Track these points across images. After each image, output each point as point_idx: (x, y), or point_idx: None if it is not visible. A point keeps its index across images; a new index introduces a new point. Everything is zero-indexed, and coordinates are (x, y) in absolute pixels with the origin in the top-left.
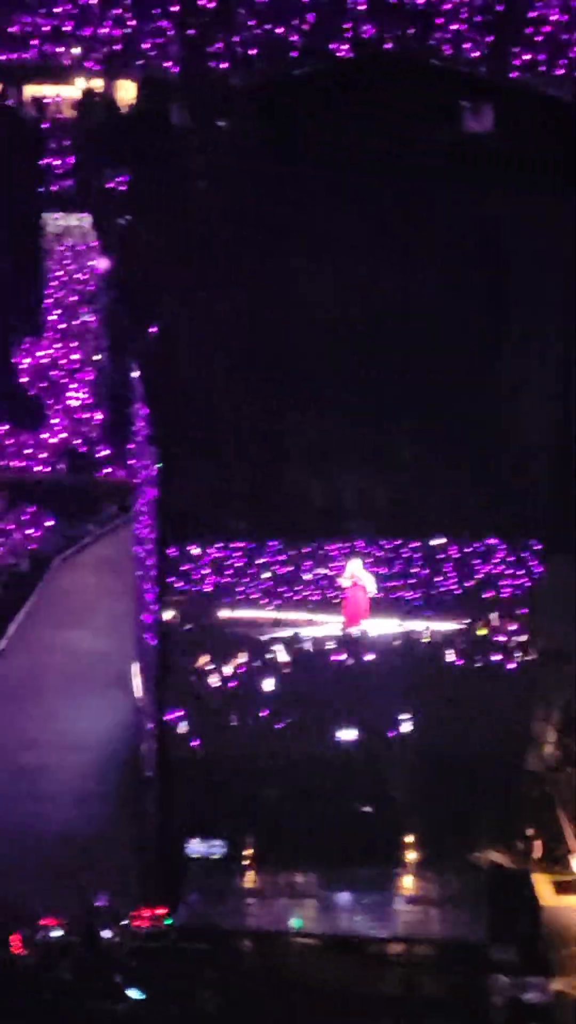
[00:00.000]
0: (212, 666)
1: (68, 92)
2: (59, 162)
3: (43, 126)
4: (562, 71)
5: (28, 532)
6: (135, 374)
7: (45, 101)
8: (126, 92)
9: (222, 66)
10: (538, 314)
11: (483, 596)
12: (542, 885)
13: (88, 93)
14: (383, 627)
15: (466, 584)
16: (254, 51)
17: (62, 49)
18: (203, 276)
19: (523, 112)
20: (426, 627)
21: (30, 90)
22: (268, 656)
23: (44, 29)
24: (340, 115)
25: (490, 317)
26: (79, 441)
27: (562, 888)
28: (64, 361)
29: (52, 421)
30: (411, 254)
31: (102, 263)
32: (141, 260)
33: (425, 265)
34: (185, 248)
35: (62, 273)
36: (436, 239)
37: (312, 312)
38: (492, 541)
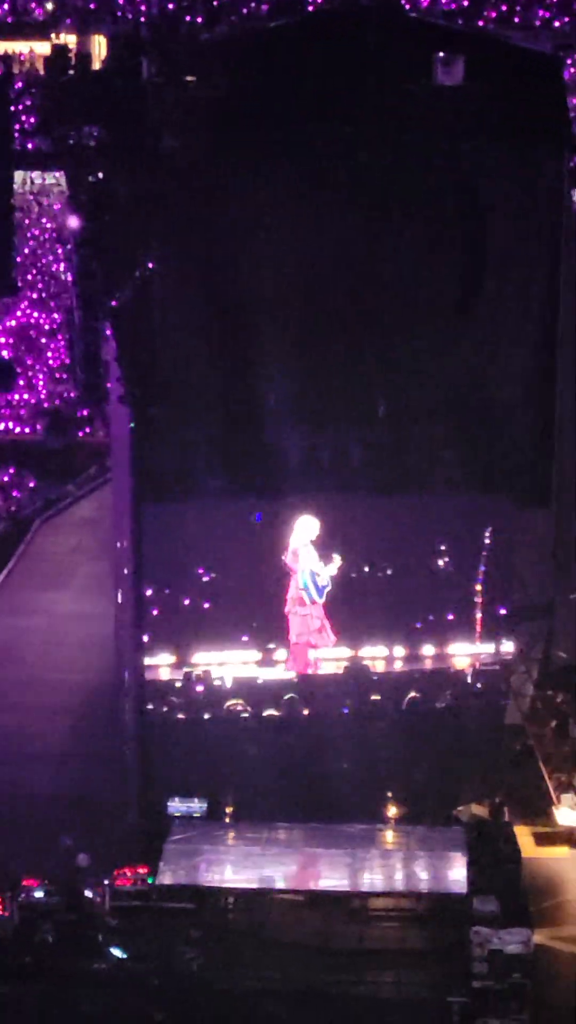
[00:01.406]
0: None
1: (39, 48)
2: (30, 119)
3: (14, 82)
4: (538, 23)
5: (8, 494)
6: (108, 333)
7: (17, 57)
8: (97, 48)
9: (193, 21)
10: (516, 268)
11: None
12: (523, 837)
13: (59, 49)
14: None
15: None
16: (225, 5)
17: (33, 5)
18: (176, 233)
19: (497, 64)
20: None
21: (0, 46)
22: None
23: None
24: (312, 69)
25: (467, 271)
26: (58, 402)
27: (543, 840)
28: (41, 322)
29: (30, 382)
30: (386, 209)
31: (75, 221)
32: (114, 217)
33: (400, 219)
34: (157, 205)
35: (37, 232)
36: (410, 193)
37: (286, 268)
38: (468, 496)
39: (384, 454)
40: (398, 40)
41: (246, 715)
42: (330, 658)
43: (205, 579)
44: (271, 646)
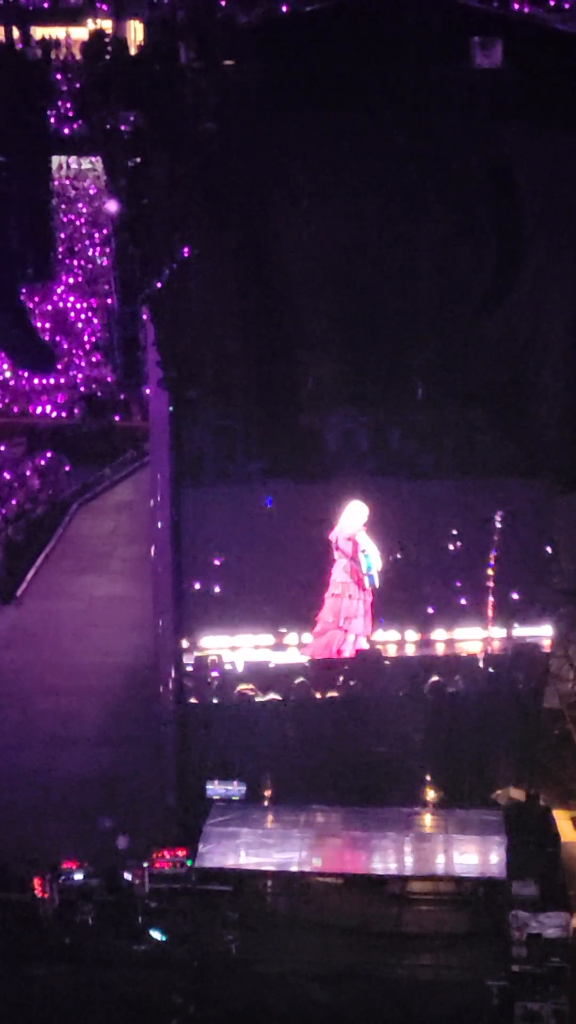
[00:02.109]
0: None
1: (76, 34)
2: (68, 105)
3: (52, 68)
4: (572, 5)
5: (45, 478)
6: (147, 317)
7: (53, 43)
8: (133, 33)
9: (229, 5)
10: (553, 252)
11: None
12: (562, 821)
13: (96, 34)
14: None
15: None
16: None
17: None
18: (213, 217)
19: (535, 47)
20: None
21: (38, 32)
22: None
23: None
24: (349, 52)
25: (505, 255)
26: (95, 386)
27: None
28: (79, 306)
29: (68, 367)
30: (423, 192)
31: (113, 206)
32: (151, 202)
33: (438, 203)
34: (195, 189)
35: (74, 217)
36: (446, 175)
37: (324, 251)
38: (505, 480)
39: (422, 438)
40: (435, 23)
41: (262, 699)
42: (379, 641)
43: (240, 563)
44: (311, 630)
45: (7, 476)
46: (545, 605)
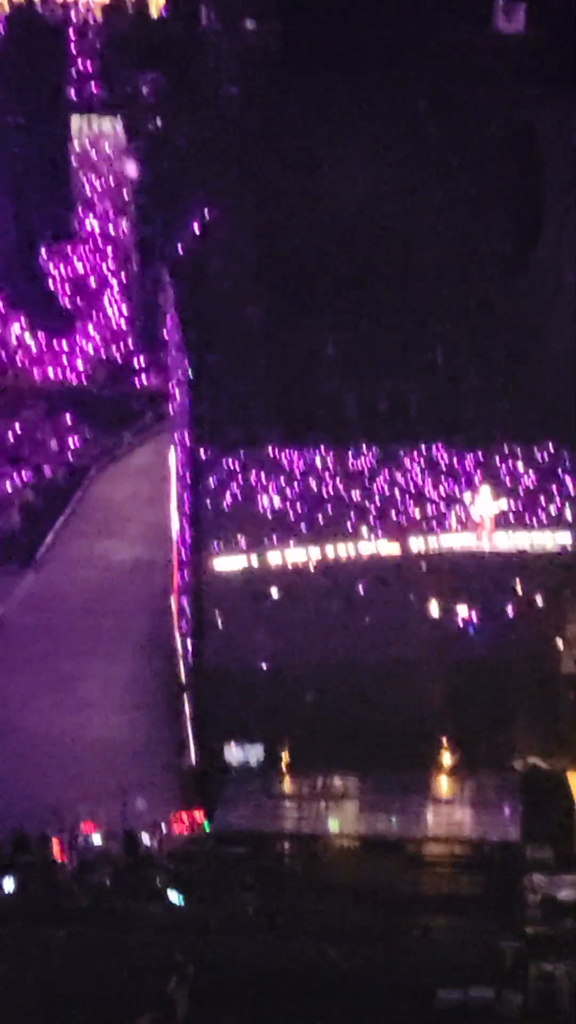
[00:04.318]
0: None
1: None
2: (89, 66)
3: (72, 30)
4: None
5: (64, 442)
6: (166, 281)
7: (75, 4)
8: None
9: None
10: (571, 214)
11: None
12: None
13: None
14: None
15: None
16: None
17: None
18: (234, 180)
19: (557, 11)
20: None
21: None
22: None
23: None
24: (371, 16)
25: (525, 219)
26: (114, 350)
27: None
28: (98, 269)
29: (89, 330)
30: (442, 157)
31: (133, 168)
32: (171, 164)
33: (460, 168)
34: (216, 152)
35: (95, 178)
36: (468, 139)
37: (345, 216)
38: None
39: (441, 403)
40: None
41: None
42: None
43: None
44: None
45: (25, 439)
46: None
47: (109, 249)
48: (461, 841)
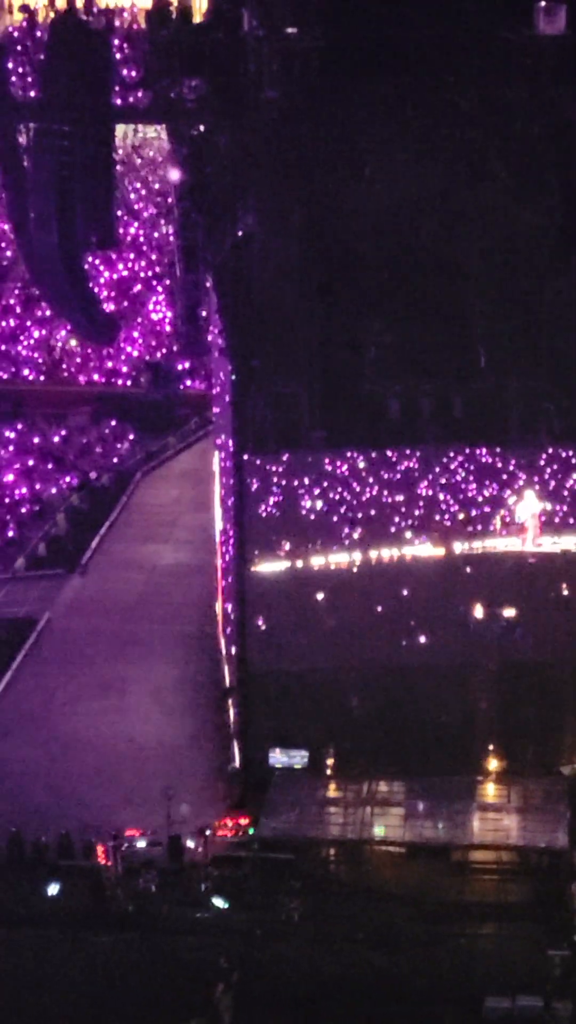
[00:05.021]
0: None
1: (141, 2)
2: (132, 72)
3: (116, 37)
4: None
5: (110, 446)
6: (210, 285)
7: (118, 11)
8: (198, 1)
9: None
10: None
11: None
12: None
13: (160, 2)
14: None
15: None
16: None
17: None
18: (276, 185)
19: None
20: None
21: (103, 1)
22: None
23: None
24: (412, 18)
25: (565, 219)
26: (159, 355)
27: None
28: (142, 275)
29: (133, 335)
30: (486, 159)
31: (176, 174)
32: (215, 170)
33: (501, 170)
34: (258, 157)
35: (140, 186)
36: (510, 140)
37: (386, 220)
38: (569, 448)
39: (485, 405)
40: None
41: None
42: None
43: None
44: None
45: (71, 444)
46: None
47: (153, 255)
48: (508, 847)
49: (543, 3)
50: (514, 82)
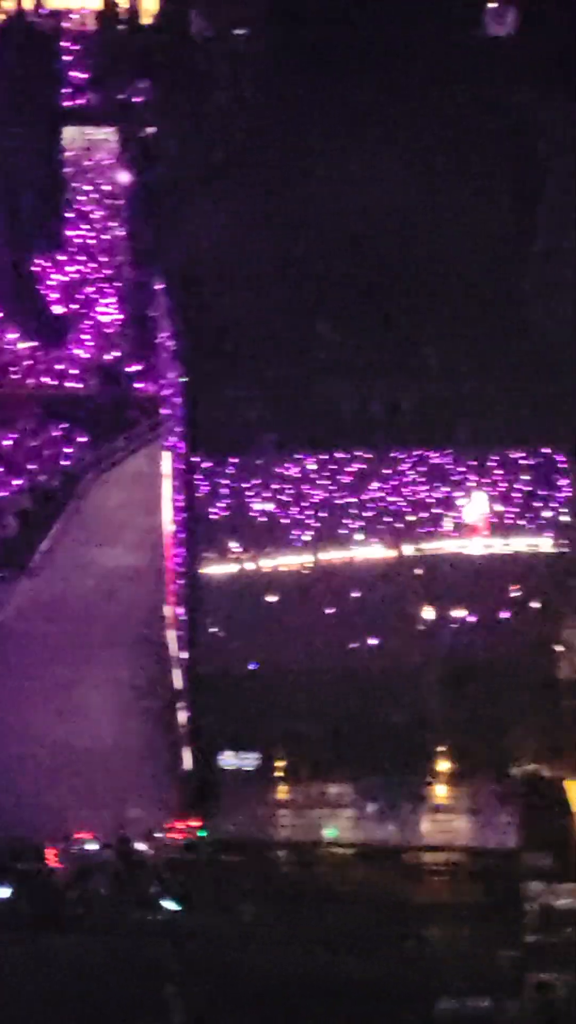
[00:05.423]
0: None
1: (90, 3)
2: (81, 74)
3: (65, 39)
4: None
5: (59, 449)
6: (160, 287)
7: (67, 13)
8: (147, 2)
9: None
10: (569, 215)
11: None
12: (575, 792)
13: (109, 4)
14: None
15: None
16: None
17: None
18: (227, 187)
19: (550, 14)
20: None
21: (52, 2)
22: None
23: None
24: (362, 20)
25: (518, 221)
26: (109, 357)
27: None
28: (91, 277)
29: (83, 337)
30: (437, 161)
31: (125, 176)
32: (165, 172)
33: (452, 172)
34: (208, 159)
35: (89, 188)
36: (462, 144)
37: (336, 221)
38: (519, 450)
39: (438, 408)
40: None
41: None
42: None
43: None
44: None
45: (21, 447)
46: None
47: (103, 258)
48: (459, 849)
49: (493, 5)
50: (464, 83)
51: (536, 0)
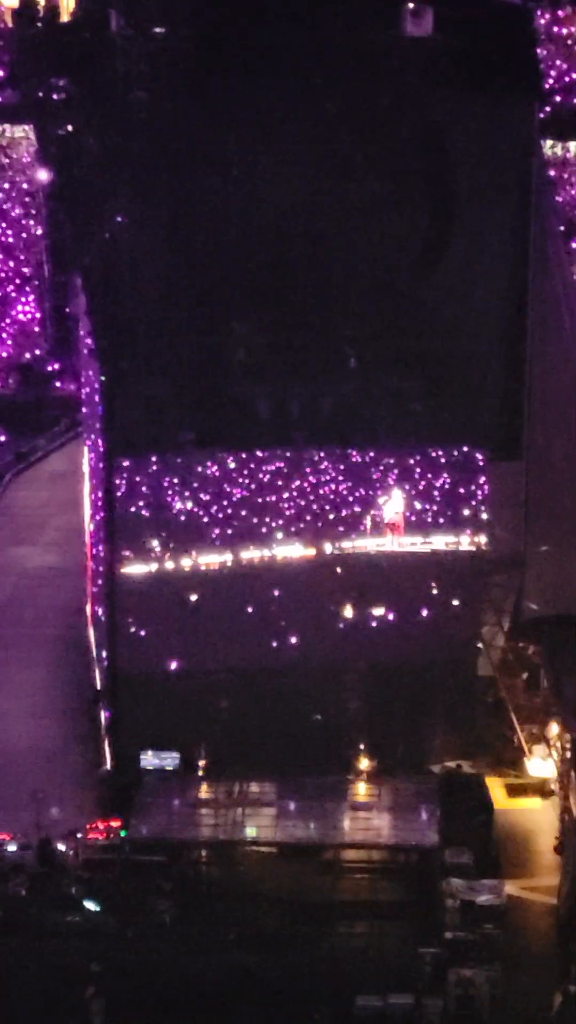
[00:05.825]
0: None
1: (7, 1)
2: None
3: None
4: None
5: None
6: (78, 286)
7: None
8: (65, 0)
9: None
10: (486, 219)
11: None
12: (495, 789)
13: (27, 2)
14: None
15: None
16: None
17: None
18: (145, 186)
19: (466, 15)
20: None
21: None
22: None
23: None
24: (280, 19)
25: (437, 222)
26: (28, 356)
27: (515, 791)
28: (10, 275)
29: (2, 336)
30: (354, 160)
31: (44, 174)
32: (83, 170)
33: (369, 171)
34: (127, 158)
35: (8, 186)
36: (378, 144)
37: (256, 221)
38: (438, 449)
39: (355, 407)
40: None
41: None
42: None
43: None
44: None
45: None
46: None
47: (21, 255)
48: (378, 846)
49: (410, 5)
50: (381, 84)
51: (452, 0)
